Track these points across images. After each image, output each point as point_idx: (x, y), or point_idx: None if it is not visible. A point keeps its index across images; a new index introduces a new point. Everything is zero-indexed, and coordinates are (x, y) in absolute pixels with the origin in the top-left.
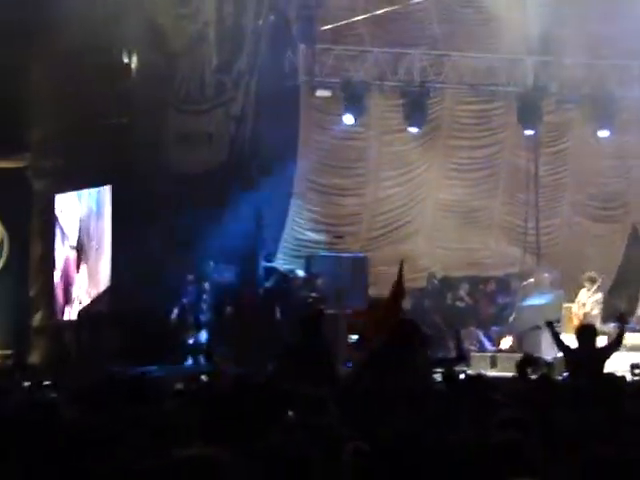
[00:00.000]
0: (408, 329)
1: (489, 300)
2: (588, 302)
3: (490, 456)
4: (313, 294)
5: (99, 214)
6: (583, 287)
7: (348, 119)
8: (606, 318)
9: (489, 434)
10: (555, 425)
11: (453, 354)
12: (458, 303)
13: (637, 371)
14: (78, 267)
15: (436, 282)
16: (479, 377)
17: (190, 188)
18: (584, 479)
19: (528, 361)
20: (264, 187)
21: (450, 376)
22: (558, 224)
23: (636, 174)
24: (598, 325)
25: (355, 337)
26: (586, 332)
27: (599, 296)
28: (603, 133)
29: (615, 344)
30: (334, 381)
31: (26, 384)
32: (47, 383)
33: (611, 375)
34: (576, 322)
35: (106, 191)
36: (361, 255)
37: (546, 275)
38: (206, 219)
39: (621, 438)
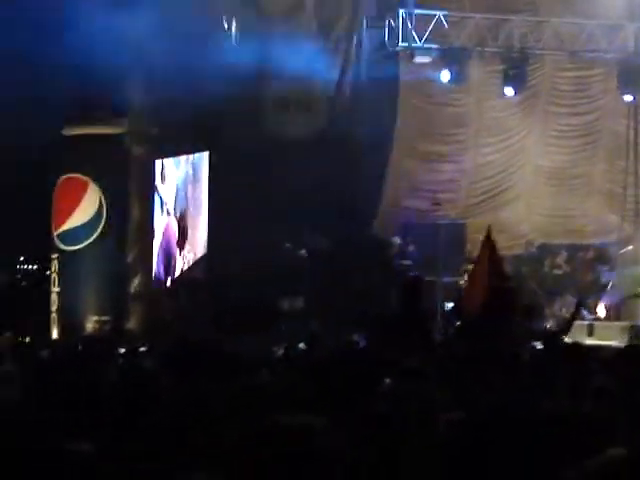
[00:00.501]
0: (507, 298)
1: (587, 268)
2: None
3: (582, 426)
4: (406, 262)
5: (196, 180)
6: None
7: (447, 85)
8: None
9: (583, 404)
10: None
11: (550, 323)
12: (556, 271)
13: None
14: (176, 233)
15: (534, 249)
16: (576, 345)
17: (289, 154)
18: None
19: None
20: (363, 154)
21: (551, 345)
22: None
23: None
24: None
25: (451, 305)
26: None
27: None
28: None
29: None
30: (430, 350)
31: (122, 350)
32: (143, 349)
33: None
34: None
35: (204, 157)
36: (459, 222)
37: None
38: (304, 186)
39: None
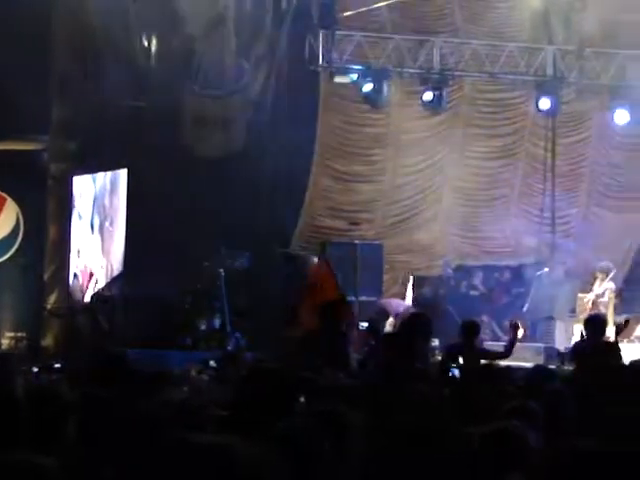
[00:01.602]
0: (417, 321)
1: (503, 289)
2: (599, 291)
3: (498, 445)
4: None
5: (115, 197)
6: (596, 277)
7: (367, 106)
8: (620, 309)
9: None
10: (559, 417)
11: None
12: (472, 292)
13: None
14: (94, 250)
15: (451, 270)
16: (491, 366)
17: (208, 172)
18: (558, 471)
19: None
20: (280, 173)
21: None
22: (574, 214)
23: None
24: (609, 314)
25: (365, 324)
26: (594, 322)
27: (611, 285)
28: (621, 123)
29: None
30: (348, 368)
31: (35, 368)
32: (57, 366)
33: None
34: (588, 311)
35: (122, 174)
36: (376, 242)
37: (560, 265)
38: (222, 204)
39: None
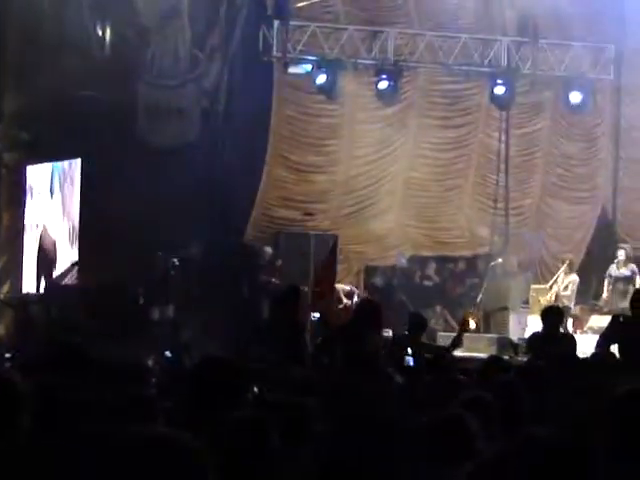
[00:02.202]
0: (368, 309)
1: (457, 280)
2: (565, 282)
3: (451, 435)
4: (273, 279)
5: (69, 187)
6: (553, 268)
7: (321, 96)
8: (575, 299)
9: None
10: (513, 407)
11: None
12: (426, 282)
13: None
14: (47, 241)
15: (405, 261)
16: (444, 357)
17: (161, 162)
18: (511, 460)
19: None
20: (235, 163)
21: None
22: (528, 205)
23: (605, 156)
24: (572, 306)
25: (317, 315)
26: (550, 313)
27: (574, 277)
28: (574, 115)
29: None
30: (303, 359)
31: None
32: (8, 356)
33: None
34: (550, 302)
35: (76, 164)
36: (330, 233)
37: (514, 256)
38: (176, 194)
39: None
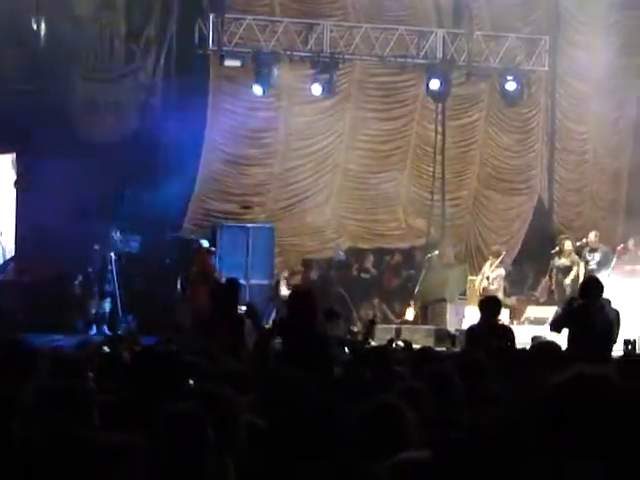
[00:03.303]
0: (308, 301)
1: (394, 272)
2: (490, 276)
3: (390, 425)
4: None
5: (5, 181)
6: (487, 260)
7: (257, 89)
8: (511, 291)
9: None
10: (447, 397)
11: (356, 327)
12: (363, 275)
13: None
14: None
15: (342, 253)
16: (381, 348)
17: (97, 157)
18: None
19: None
20: (172, 157)
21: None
22: (465, 197)
23: (540, 147)
24: (501, 298)
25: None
26: (488, 304)
27: (501, 271)
28: (510, 107)
29: None
30: (242, 353)
31: None
32: None
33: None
34: (479, 295)
35: (10, 159)
36: (268, 225)
37: (451, 248)
38: (113, 189)
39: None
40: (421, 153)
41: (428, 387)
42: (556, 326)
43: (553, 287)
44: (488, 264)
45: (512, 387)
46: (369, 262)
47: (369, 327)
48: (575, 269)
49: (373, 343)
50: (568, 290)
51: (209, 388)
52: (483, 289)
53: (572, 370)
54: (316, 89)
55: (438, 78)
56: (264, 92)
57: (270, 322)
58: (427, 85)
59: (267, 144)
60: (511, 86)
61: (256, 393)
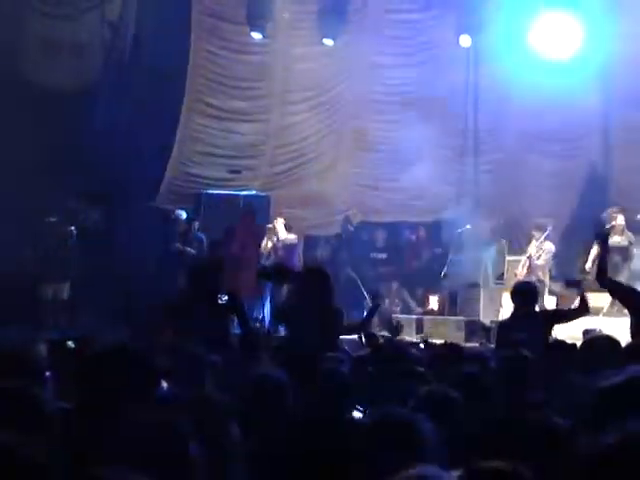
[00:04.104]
0: (321, 280)
1: (416, 251)
2: (534, 254)
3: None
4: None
5: None
6: (529, 236)
7: (248, 28)
8: (557, 275)
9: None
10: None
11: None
12: (378, 254)
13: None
14: None
15: (352, 228)
16: (398, 344)
17: (55, 106)
18: None
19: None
20: (144, 108)
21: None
22: (501, 159)
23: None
24: (547, 281)
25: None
26: (522, 291)
27: (548, 245)
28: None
29: (577, 312)
30: (226, 346)
31: None
32: None
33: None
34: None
35: None
36: (262, 194)
37: (485, 221)
38: (74, 146)
39: None
40: (450, 104)
41: (457, 393)
42: (611, 286)
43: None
44: (534, 241)
45: (558, 393)
46: (385, 239)
47: (393, 332)
48: (632, 249)
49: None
50: (626, 274)
51: (190, 393)
52: (527, 268)
53: (626, 372)
54: (321, 28)
55: (470, 15)
56: (257, 31)
57: (262, 314)
58: (458, 25)
59: (260, 96)
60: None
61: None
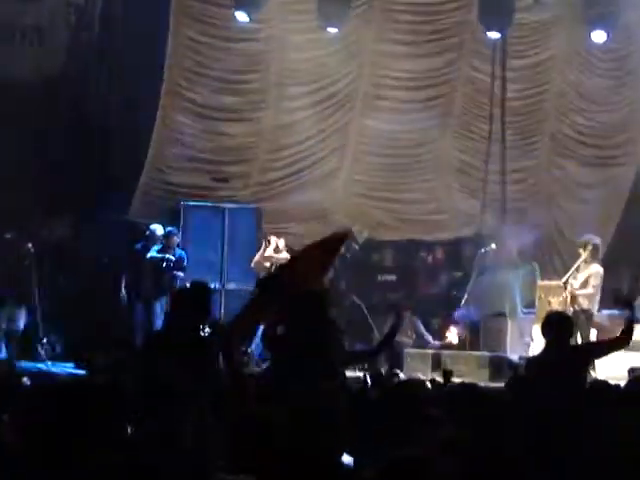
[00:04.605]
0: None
1: (432, 274)
2: (582, 276)
3: None
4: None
5: None
6: (564, 257)
7: (240, 15)
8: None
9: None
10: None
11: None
12: (387, 277)
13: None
14: None
15: (357, 248)
16: (415, 385)
17: (11, 105)
18: None
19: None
20: (115, 105)
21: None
22: (533, 168)
23: None
24: (594, 309)
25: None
26: (555, 322)
27: (596, 268)
28: (598, 39)
29: (616, 342)
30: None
31: None
32: None
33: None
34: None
35: None
36: (252, 206)
37: (513, 240)
38: (31, 151)
39: None
40: (471, 105)
41: (474, 437)
42: None
43: None
44: (581, 261)
45: (601, 440)
46: (396, 259)
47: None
48: None
49: (402, 375)
50: None
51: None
52: (572, 296)
53: None
54: (323, 11)
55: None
56: (250, 17)
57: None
58: (480, 9)
59: (252, 90)
60: (598, 11)
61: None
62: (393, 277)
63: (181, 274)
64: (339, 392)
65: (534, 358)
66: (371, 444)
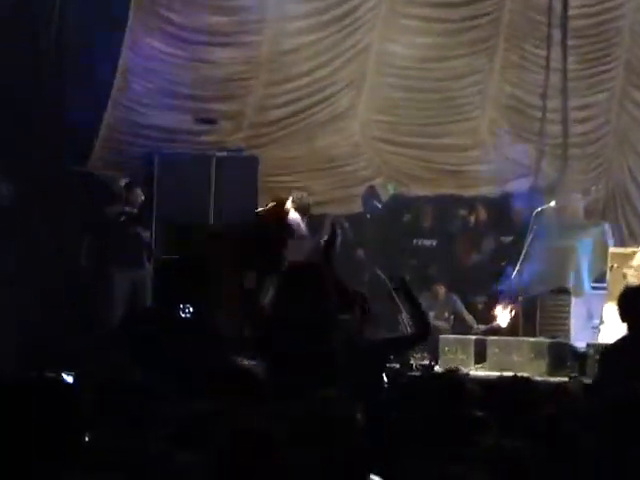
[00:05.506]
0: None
1: (473, 240)
2: None
3: None
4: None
5: None
6: None
7: None
8: None
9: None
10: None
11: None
12: (420, 241)
13: None
14: None
15: (380, 206)
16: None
17: None
18: None
19: None
20: (75, 32)
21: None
22: (602, 103)
23: None
24: None
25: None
26: (633, 300)
27: None
28: None
29: None
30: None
31: None
32: None
33: None
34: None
35: None
36: (247, 154)
37: (578, 196)
38: None
39: None
40: (524, 24)
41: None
42: None
43: None
44: None
45: None
46: (428, 220)
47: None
48: None
49: (437, 368)
50: None
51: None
52: None
53: None
54: None
55: None
56: None
57: None
58: None
59: (246, 7)
60: None
61: None
62: (433, 242)
63: None
64: (346, 399)
65: (610, 347)
66: (403, 460)
